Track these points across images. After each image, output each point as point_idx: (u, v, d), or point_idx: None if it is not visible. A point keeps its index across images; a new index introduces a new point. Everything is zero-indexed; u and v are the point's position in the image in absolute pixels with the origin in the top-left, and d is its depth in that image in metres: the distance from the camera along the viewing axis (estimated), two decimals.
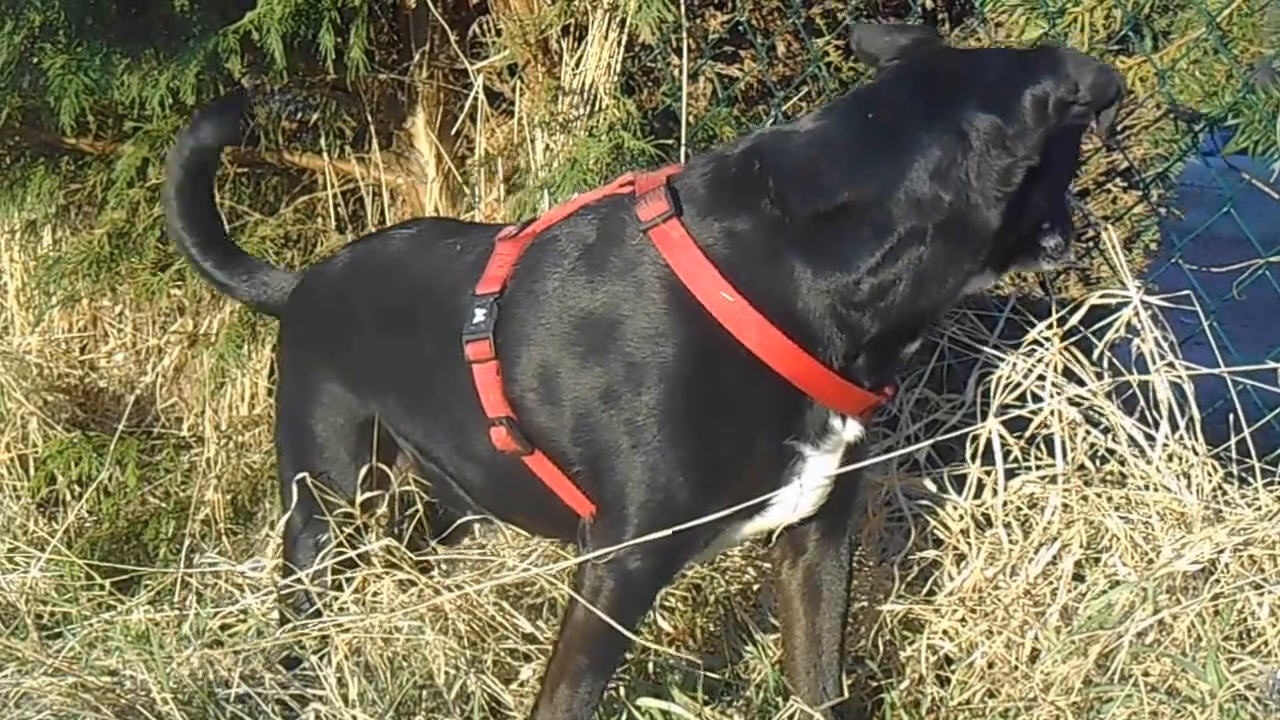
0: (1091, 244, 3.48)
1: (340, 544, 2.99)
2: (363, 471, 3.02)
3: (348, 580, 3.02)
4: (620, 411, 2.55)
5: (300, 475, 3.03)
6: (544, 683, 2.65)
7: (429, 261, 2.94)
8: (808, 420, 2.58)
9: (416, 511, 3.05)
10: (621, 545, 2.54)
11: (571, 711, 2.60)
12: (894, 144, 2.50)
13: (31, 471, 4.48)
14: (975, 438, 3.15)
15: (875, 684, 3.06)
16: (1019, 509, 3.16)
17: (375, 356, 2.99)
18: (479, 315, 2.68)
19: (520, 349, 2.66)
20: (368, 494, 3.03)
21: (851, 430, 2.63)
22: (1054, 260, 2.67)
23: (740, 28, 3.87)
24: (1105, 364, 3.15)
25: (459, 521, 3.12)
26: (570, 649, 2.61)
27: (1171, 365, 3.05)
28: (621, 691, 2.94)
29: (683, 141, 3.77)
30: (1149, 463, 3.09)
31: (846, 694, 2.84)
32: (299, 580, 3.01)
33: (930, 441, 3.17)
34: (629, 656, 2.94)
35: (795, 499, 2.63)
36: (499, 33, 4.03)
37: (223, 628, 3.19)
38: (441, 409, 2.85)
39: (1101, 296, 3.17)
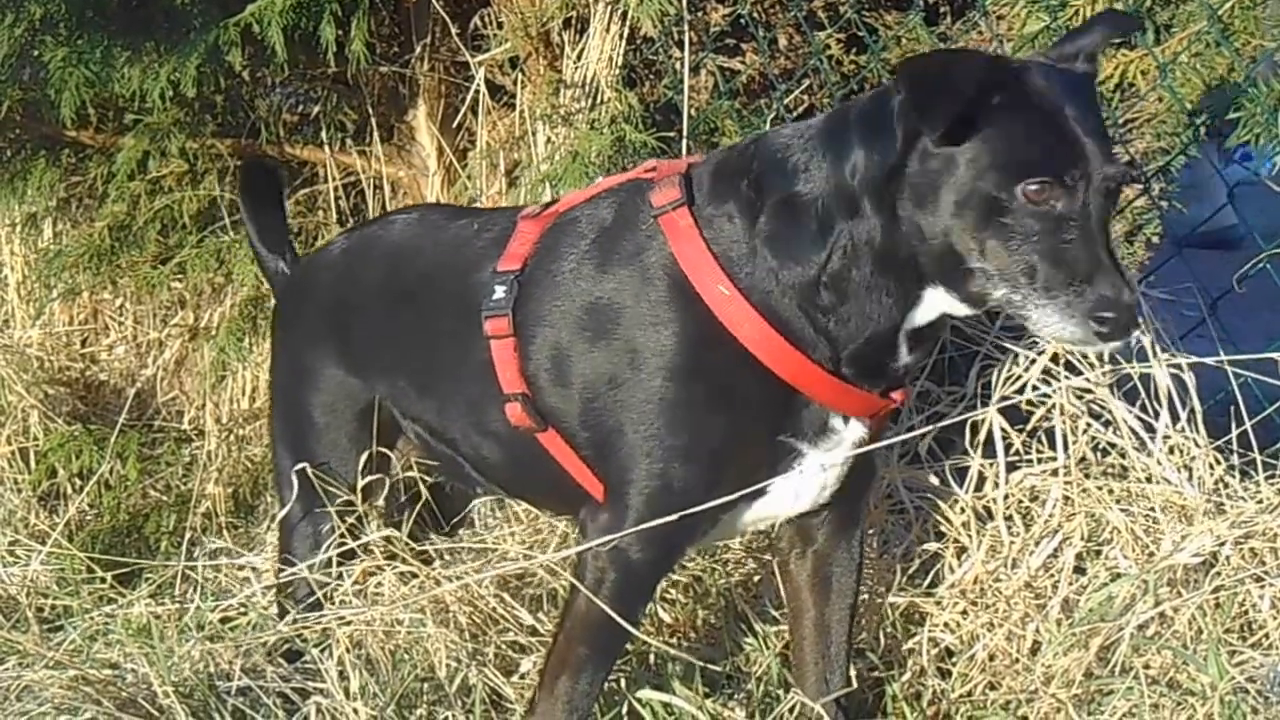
0: None
1: (341, 534, 2.99)
2: (363, 458, 3.01)
3: (347, 571, 3.02)
4: (622, 397, 2.56)
5: (299, 464, 3.03)
6: (544, 674, 2.65)
7: (442, 242, 2.95)
8: (804, 419, 2.57)
9: (418, 500, 3.05)
10: (620, 534, 2.54)
11: (571, 703, 2.60)
12: (841, 140, 2.48)
13: (32, 465, 4.49)
14: (976, 430, 3.15)
15: (877, 676, 3.05)
16: (1020, 501, 3.16)
17: (382, 339, 2.99)
18: (499, 292, 2.70)
19: (536, 327, 2.67)
20: (368, 478, 3.02)
21: (855, 431, 2.60)
22: (1020, 310, 2.35)
23: (742, 21, 3.87)
24: (1106, 356, 3.14)
25: (466, 509, 3.11)
26: (571, 640, 2.61)
27: (1173, 358, 3.05)
28: (622, 683, 2.93)
29: (684, 134, 3.77)
30: (1150, 455, 3.09)
31: (854, 685, 2.84)
32: (299, 571, 3.01)
33: (931, 430, 3.17)
34: (630, 648, 2.94)
35: (794, 492, 2.63)
36: (500, 25, 4.04)
37: (224, 621, 3.19)
38: (456, 386, 2.85)
39: None
